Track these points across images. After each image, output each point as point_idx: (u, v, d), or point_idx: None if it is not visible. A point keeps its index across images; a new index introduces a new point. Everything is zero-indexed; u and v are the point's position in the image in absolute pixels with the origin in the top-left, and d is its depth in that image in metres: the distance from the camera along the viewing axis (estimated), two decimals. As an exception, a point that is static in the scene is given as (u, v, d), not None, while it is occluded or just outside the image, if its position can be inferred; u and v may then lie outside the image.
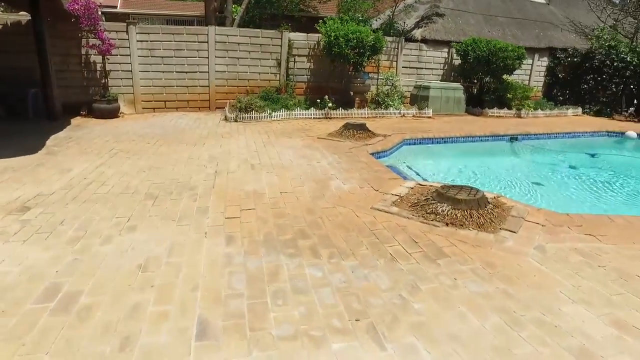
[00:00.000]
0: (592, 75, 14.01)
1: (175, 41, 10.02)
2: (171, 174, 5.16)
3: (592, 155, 8.82)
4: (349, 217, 3.98)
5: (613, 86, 13.90)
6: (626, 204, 6.29)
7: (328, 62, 10.92)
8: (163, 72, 10.10)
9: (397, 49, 12.17)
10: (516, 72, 12.92)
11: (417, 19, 13.29)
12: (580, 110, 13.91)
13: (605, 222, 4.13)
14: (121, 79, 9.79)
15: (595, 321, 2.57)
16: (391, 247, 3.40)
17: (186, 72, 10.28)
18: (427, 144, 8.64)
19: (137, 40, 9.70)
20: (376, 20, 13.52)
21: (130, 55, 9.71)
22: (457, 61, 12.93)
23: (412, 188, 4.78)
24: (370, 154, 6.82)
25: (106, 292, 2.61)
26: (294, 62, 11.04)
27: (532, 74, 14.60)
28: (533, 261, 3.27)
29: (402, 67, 12.42)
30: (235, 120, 9.15)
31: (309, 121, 9.73)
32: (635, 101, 13.99)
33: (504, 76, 12.50)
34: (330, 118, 10.15)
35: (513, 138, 9.49)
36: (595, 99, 14.12)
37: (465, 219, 3.86)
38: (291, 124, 9.27)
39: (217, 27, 10.51)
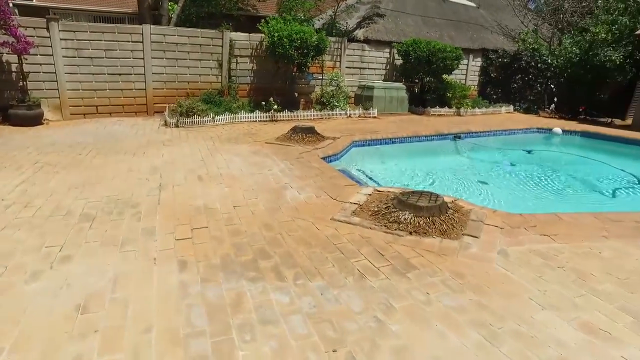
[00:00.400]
0: (520, 75, 14.92)
1: (105, 40, 9.20)
2: (109, 190, 4.64)
3: (529, 152, 9.32)
4: (309, 231, 3.77)
5: (538, 85, 14.93)
6: (563, 197, 6.67)
7: (272, 63, 10.63)
8: (93, 74, 9.24)
9: (340, 49, 12.14)
10: (454, 71, 13.42)
11: (359, 19, 13.36)
12: (512, 107, 14.76)
13: (555, 221, 4.28)
14: (43, 81, 8.81)
15: (566, 327, 2.58)
16: (358, 262, 3.25)
17: (120, 74, 9.48)
18: (376, 145, 8.65)
19: (61, 39, 8.77)
20: (319, 20, 13.42)
21: (53, 55, 8.75)
22: (399, 61, 13.17)
23: (370, 195, 4.67)
24: (322, 158, 6.67)
25: (35, 346, 2.19)
26: (236, 63, 10.61)
27: (467, 73, 15.26)
28: (499, 267, 3.27)
29: (346, 67, 12.42)
30: (177, 126, 8.58)
31: (255, 124, 9.38)
32: (555, 99, 15.17)
33: (444, 76, 12.92)
34: (276, 121, 9.87)
35: (457, 136, 9.79)
36: (524, 97, 15.08)
37: (428, 227, 3.80)
38: (236, 128, 8.88)
39: (152, 26, 9.80)
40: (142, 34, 9.47)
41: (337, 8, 13.13)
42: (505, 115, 13.84)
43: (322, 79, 11.64)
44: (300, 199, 4.58)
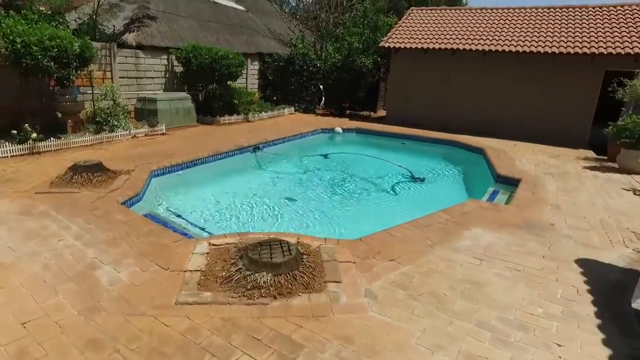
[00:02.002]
0: (296, 78, 15.97)
1: None
2: None
3: (325, 156, 9.98)
4: (157, 332, 2.87)
5: (312, 87, 16.34)
6: (365, 202, 7.30)
7: (17, 76, 8.05)
8: None
9: (110, 56, 10.29)
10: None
11: (127, 21, 11.59)
12: (293, 108, 15.69)
13: (389, 240, 4.56)
14: None
15: (458, 369, 2.68)
16: (238, 362, 2.63)
17: None
18: (177, 170, 7.65)
19: None
20: (76, 20, 10.96)
21: None
22: (179, 68, 12.15)
23: (207, 253, 3.96)
24: (122, 204, 5.42)
25: None
26: (-45, 77, 7.63)
27: (248, 77, 15.39)
28: (375, 314, 3.20)
29: (120, 77, 10.65)
30: None
31: (8, 163, 6.94)
32: (323, 98, 17.00)
33: (229, 82, 12.60)
34: (38, 153, 7.60)
35: (256, 148, 9.66)
36: (302, 98, 16.26)
37: (291, 284, 3.44)
38: (-24, 171, 6.39)
39: None
40: None
41: (97, 6, 10.98)
42: (290, 117, 14.60)
43: (92, 93, 9.61)
44: (123, 281, 3.49)
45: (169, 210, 6.01)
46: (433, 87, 13.73)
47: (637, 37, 11.36)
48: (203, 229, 5.37)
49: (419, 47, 13.23)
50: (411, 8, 16.10)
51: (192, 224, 5.53)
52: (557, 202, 6.48)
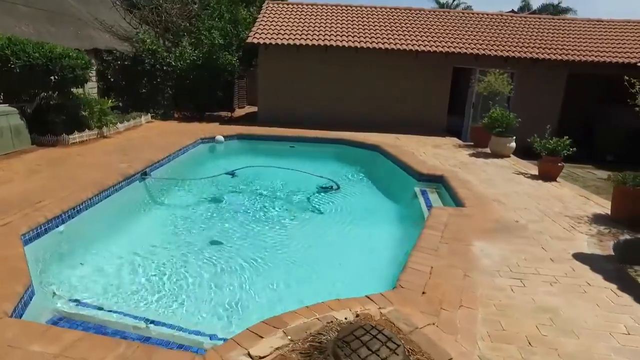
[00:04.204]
0: (147, 79, 13.50)
1: None
2: None
3: (232, 175, 8.54)
4: None
5: (168, 89, 14.11)
6: (302, 227, 6.54)
7: None
8: None
9: None
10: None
11: None
12: (149, 116, 13.24)
13: (427, 280, 3.93)
14: None
15: None
16: None
17: None
18: (57, 225, 5.26)
19: None
20: None
21: None
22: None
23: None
24: (12, 315, 3.24)
25: None
26: None
27: (85, 80, 12.24)
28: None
29: None
30: None
31: None
32: (173, 99, 15.01)
33: (74, 90, 9.72)
34: None
35: (144, 175, 7.63)
36: (158, 103, 13.89)
37: (418, 386, 2.52)
38: None
39: None
40: None
41: None
42: (151, 127, 12.26)
43: None
44: None
45: (87, 305, 3.99)
46: (308, 84, 13.37)
47: (478, 40, 13.21)
48: (172, 327, 3.69)
49: (292, 43, 12.63)
50: (267, 1, 15.27)
51: (145, 320, 3.72)
52: (493, 196, 6.86)
